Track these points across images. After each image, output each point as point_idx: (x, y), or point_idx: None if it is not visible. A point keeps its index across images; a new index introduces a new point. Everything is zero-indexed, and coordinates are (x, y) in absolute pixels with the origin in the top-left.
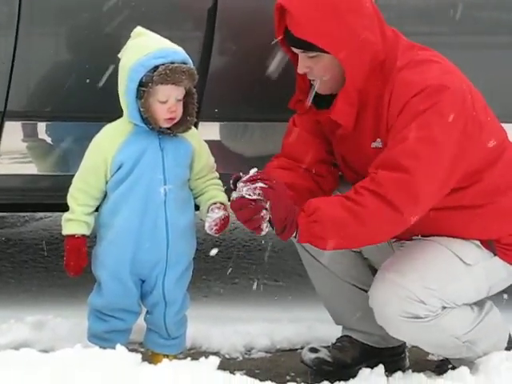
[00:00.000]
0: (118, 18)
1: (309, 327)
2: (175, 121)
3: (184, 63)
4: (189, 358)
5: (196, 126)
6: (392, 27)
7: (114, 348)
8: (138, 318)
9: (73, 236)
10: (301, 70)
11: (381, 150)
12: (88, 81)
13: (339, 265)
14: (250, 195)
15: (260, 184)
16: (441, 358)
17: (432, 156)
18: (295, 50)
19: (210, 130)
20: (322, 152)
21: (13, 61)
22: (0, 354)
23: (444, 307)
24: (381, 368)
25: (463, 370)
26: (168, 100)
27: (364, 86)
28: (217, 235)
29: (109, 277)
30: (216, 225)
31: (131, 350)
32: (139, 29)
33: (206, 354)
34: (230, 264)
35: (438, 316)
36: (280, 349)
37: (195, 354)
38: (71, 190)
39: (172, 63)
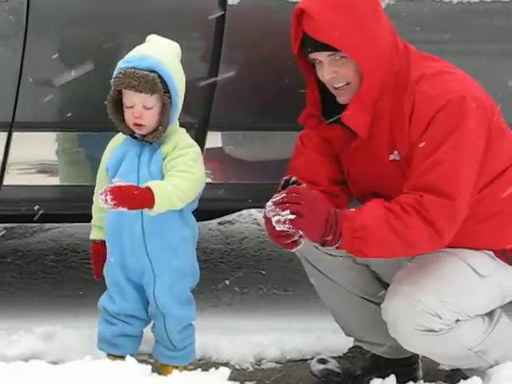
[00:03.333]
0: (125, 28)
1: (319, 337)
2: (143, 128)
3: (150, 70)
4: (199, 369)
5: (204, 135)
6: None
7: (123, 356)
8: (146, 326)
9: (94, 241)
10: (328, 74)
11: (399, 162)
12: (95, 91)
13: (346, 278)
14: (280, 227)
15: (289, 216)
16: (452, 367)
17: (467, 176)
18: (319, 57)
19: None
20: (334, 172)
21: (21, 72)
22: (10, 365)
23: (457, 320)
24: (392, 378)
25: (475, 380)
26: (134, 106)
27: (379, 97)
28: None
29: (109, 281)
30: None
31: (141, 361)
32: (150, 36)
33: (216, 364)
34: (239, 274)
35: (451, 329)
36: (290, 359)
37: (205, 364)
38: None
39: (134, 68)
